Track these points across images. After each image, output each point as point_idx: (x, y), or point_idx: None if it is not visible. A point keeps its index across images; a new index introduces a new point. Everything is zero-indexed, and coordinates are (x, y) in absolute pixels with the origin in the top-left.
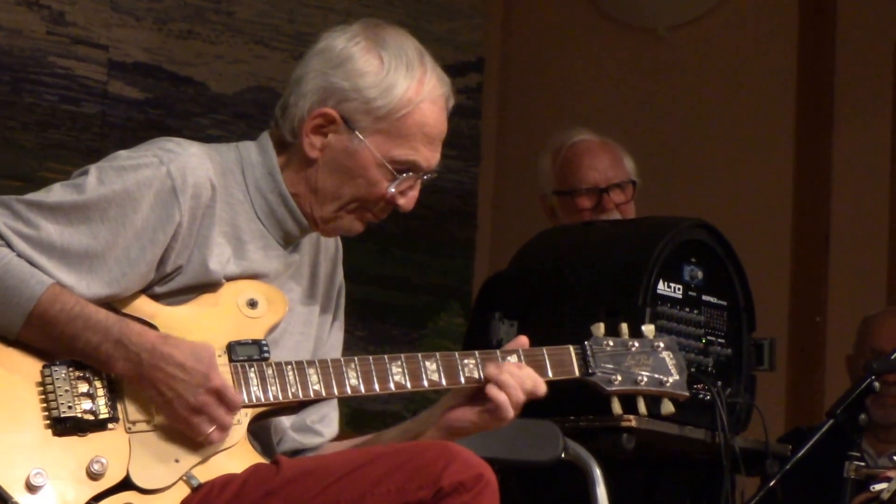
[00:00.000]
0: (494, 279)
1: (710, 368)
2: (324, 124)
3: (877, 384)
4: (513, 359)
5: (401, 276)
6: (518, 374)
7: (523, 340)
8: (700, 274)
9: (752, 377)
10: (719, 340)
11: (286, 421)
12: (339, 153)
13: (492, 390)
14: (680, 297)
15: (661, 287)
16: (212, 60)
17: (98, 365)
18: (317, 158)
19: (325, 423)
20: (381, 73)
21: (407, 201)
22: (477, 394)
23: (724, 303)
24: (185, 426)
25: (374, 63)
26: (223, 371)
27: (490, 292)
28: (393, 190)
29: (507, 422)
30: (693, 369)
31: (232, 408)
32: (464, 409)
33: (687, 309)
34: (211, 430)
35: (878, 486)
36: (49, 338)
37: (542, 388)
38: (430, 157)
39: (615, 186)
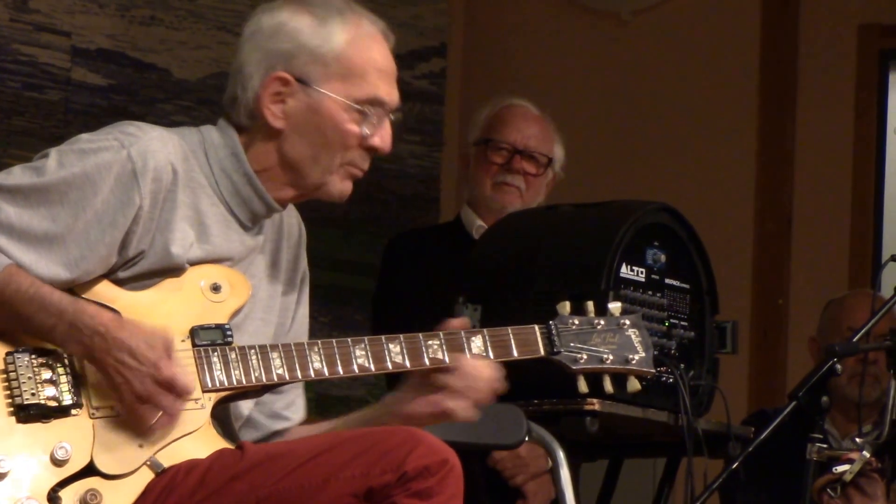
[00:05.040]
0: (401, 238)
1: (673, 351)
2: (280, 90)
3: (838, 366)
4: (477, 340)
5: (364, 262)
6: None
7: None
8: (663, 257)
9: (715, 360)
10: (682, 323)
11: (245, 410)
12: (304, 114)
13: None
14: (643, 280)
15: (624, 270)
16: (175, 47)
17: (53, 346)
18: (283, 129)
19: (293, 409)
20: (315, 25)
21: (382, 141)
22: (433, 383)
23: (687, 286)
24: (130, 414)
25: (306, 19)
26: (185, 356)
27: (396, 250)
28: (367, 131)
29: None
30: (656, 352)
31: (183, 392)
32: (419, 400)
33: (650, 292)
34: (156, 419)
35: (840, 468)
36: (4, 318)
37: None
38: (389, 91)
39: (529, 155)
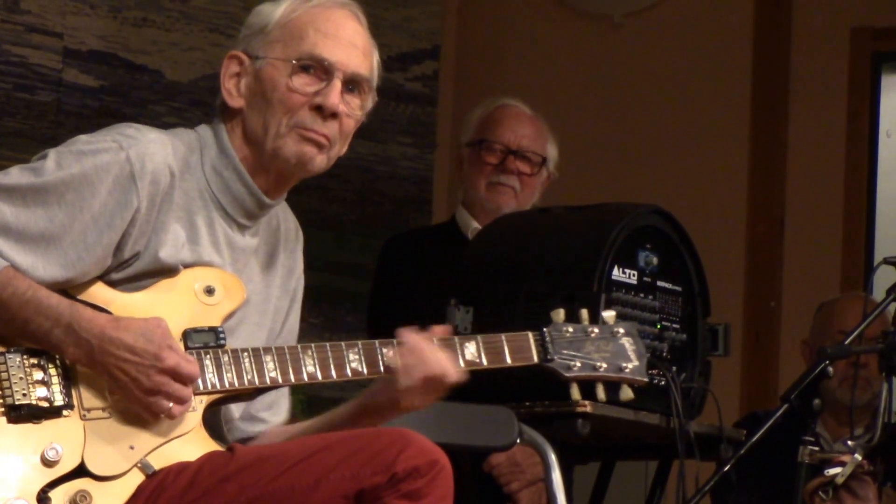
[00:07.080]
0: (396, 239)
1: (665, 354)
2: (238, 71)
3: (830, 369)
4: (471, 346)
5: (356, 263)
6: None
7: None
8: (655, 260)
9: (707, 362)
10: (674, 326)
11: (235, 411)
12: (254, 86)
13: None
14: (635, 282)
15: (616, 273)
16: (167, 48)
17: (50, 349)
18: (242, 107)
19: (273, 410)
20: (268, 9)
21: (325, 99)
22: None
23: (679, 288)
24: (143, 409)
25: (265, 9)
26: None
27: (391, 252)
28: (310, 90)
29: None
30: (648, 355)
31: (189, 380)
32: (381, 390)
33: (642, 295)
34: (170, 405)
35: (832, 471)
36: (1, 321)
37: (451, 377)
38: (334, 51)
39: (523, 155)
